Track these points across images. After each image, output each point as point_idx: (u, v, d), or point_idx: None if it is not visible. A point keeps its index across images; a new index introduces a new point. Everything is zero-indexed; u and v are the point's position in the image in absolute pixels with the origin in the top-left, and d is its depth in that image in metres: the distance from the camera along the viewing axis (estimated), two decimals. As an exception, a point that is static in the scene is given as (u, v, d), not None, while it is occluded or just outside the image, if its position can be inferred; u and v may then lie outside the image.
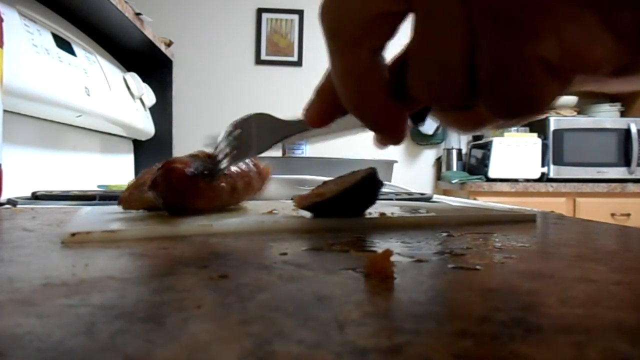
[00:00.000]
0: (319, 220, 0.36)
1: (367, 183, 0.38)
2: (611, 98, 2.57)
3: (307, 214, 0.38)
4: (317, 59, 2.61)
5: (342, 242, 0.30)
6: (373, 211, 0.40)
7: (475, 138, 2.58)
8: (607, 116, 2.46)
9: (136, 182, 0.43)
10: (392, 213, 0.40)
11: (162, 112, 1.59)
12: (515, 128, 2.41)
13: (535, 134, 2.32)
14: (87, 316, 0.14)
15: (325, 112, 0.29)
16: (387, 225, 0.37)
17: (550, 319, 0.15)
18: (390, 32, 0.25)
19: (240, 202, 0.44)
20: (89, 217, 0.39)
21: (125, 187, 0.43)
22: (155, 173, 0.37)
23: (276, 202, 0.53)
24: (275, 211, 0.40)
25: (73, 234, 0.29)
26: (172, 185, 0.36)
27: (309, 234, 0.33)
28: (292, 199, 0.40)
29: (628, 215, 2.20)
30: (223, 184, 0.39)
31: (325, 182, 0.41)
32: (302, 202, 0.39)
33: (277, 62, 2.59)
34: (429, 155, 2.72)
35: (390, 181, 1.01)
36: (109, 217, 0.38)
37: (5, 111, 0.59)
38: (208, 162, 0.38)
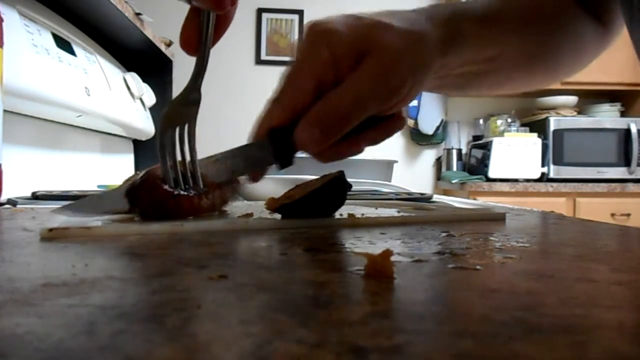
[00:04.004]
0: (288, 222, 0.37)
1: (334, 185, 0.38)
2: (611, 98, 2.57)
3: (279, 216, 0.39)
4: (317, 59, 2.61)
5: (341, 242, 0.30)
6: (344, 212, 0.41)
7: (475, 138, 2.58)
8: (607, 116, 2.46)
9: (118, 188, 0.44)
10: (363, 214, 0.41)
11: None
12: (515, 128, 2.41)
13: (535, 134, 2.32)
14: (87, 316, 0.14)
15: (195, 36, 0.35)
16: (353, 226, 0.38)
17: (550, 319, 0.15)
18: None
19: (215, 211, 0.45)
20: (74, 215, 0.40)
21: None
22: (136, 184, 0.36)
23: (254, 204, 0.54)
24: (251, 214, 0.41)
25: (50, 229, 0.30)
26: (155, 204, 0.36)
27: (307, 235, 0.33)
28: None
29: (628, 215, 2.20)
30: (204, 201, 0.39)
31: (297, 185, 0.42)
32: (272, 205, 0.39)
33: (277, 62, 2.59)
34: (429, 155, 2.72)
35: (390, 181, 1.01)
36: (92, 216, 0.39)
37: (5, 111, 0.59)
38: (187, 174, 0.38)
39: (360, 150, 0.37)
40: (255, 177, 0.39)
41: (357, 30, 0.33)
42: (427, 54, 0.34)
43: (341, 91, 0.33)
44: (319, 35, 0.34)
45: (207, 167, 0.37)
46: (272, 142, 0.35)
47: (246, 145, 0.37)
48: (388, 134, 0.37)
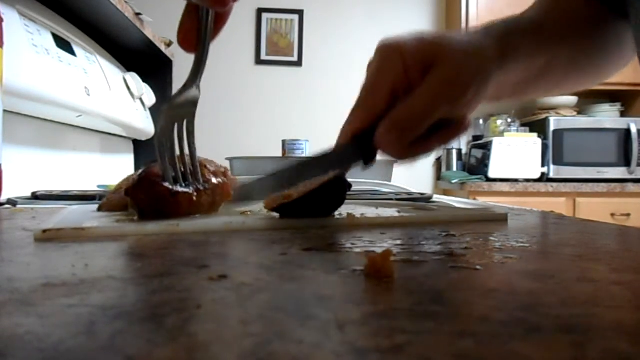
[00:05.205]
0: (286, 222, 0.37)
1: (333, 185, 0.38)
2: (611, 98, 2.57)
3: (278, 216, 0.39)
4: (317, 59, 2.61)
5: (341, 242, 0.30)
6: (343, 212, 0.41)
7: (475, 138, 2.58)
8: (607, 116, 2.46)
9: (115, 189, 0.45)
10: (362, 214, 0.40)
11: (162, 112, 1.59)
12: (515, 128, 2.41)
13: (535, 134, 2.32)
14: (87, 316, 0.14)
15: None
16: (353, 226, 0.38)
17: (550, 319, 0.15)
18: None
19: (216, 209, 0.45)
20: (69, 215, 0.40)
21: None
22: (136, 182, 0.36)
23: (255, 204, 0.54)
24: (249, 213, 0.41)
25: (44, 231, 0.30)
26: (154, 202, 0.36)
27: (307, 235, 0.33)
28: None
29: (628, 215, 2.20)
30: (203, 198, 0.38)
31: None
32: (271, 204, 0.39)
33: (277, 62, 2.59)
34: (429, 155, 2.71)
35: (390, 181, 1.01)
36: (87, 216, 0.39)
37: (5, 111, 0.59)
38: (185, 171, 0.38)
39: (431, 151, 0.41)
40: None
41: (424, 43, 0.38)
42: (486, 62, 0.38)
43: (415, 97, 0.37)
44: (392, 49, 0.38)
45: (300, 167, 0.40)
46: (357, 145, 0.39)
47: (335, 148, 0.40)
48: (455, 136, 0.41)
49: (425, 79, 0.37)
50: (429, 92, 0.37)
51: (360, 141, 0.39)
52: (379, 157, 0.40)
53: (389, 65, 0.38)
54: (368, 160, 0.40)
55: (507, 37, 0.41)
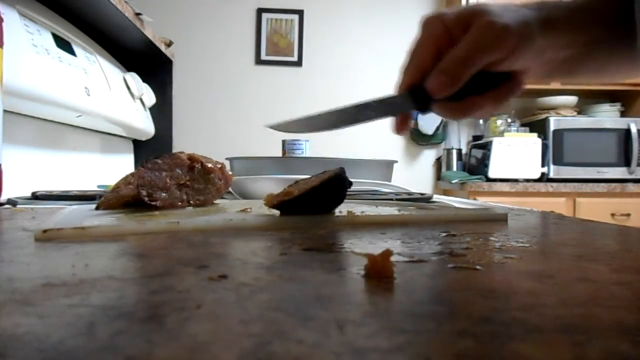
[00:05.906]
0: (287, 219, 0.37)
1: (334, 182, 0.38)
2: (611, 98, 2.57)
3: (278, 213, 0.39)
4: (317, 59, 2.61)
5: (341, 242, 0.30)
6: (343, 209, 0.41)
7: (475, 138, 2.58)
8: (607, 116, 2.46)
9: (112, 188, 0.47)
10: (362, 212, 0.40)
11: (162, 112, 1.59)
12: (515, 128, 2.41)
13: (535, 134, 2.32)
14: (87, 316, 0.14)
15: None
16: (353, 224, 0.38)
17: (550, 319, 0.15)
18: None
19: (215, 198, 0.47)
20: (69, 215, 0.40)
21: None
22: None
23: (253, 200, 0.54)
24: (249, 210, 0.41)
25: (44, 231, 0.29)
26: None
27: (307, 235, 0.33)
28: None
29: (628, 215, 2.20)
30: (217, 181, 0.39)
31: (297, 182, 0.42)
32: (271, 201, 0.39)
33: (277, 62, 2.59)
34: (429, 155, 2.71)
35: (390, 181, 1.01)
36: (87, 215, 0.39)
37: (5, 111, 0.59)
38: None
39: (486, 110, 0.43)
40: (401, 127, 0.46)
41: (461, 9, 0.43)
42: (526, 18, 0.41)
43: (459, 46, 0.41)
44: (432, 17, 0.43)
45: (359, 107, 0.43)
46: (411, 94, 0.43)
47: (390, 96, 0.43)
48: (508, 94, 0.43)
49: (467, 33, 0.41)
50: (470, 39, 0.40)
51: (415, 92, 0.42)
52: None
53: (431, 29, 0.42)
54: (422, 107, 0.43)
55: (543, 8, 0.44)
